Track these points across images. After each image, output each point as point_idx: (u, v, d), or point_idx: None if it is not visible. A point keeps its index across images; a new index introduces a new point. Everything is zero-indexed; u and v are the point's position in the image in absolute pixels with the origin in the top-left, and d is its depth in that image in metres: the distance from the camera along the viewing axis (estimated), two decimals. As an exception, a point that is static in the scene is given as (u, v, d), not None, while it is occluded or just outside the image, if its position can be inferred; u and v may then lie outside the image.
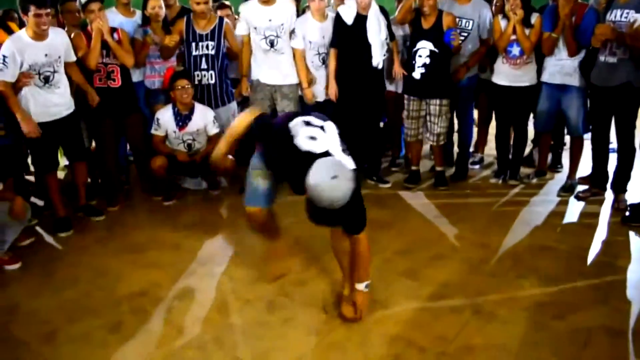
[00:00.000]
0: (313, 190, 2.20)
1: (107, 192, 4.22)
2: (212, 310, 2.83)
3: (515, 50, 4.10)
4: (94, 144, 4.28)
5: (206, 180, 4.44)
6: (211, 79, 4.25)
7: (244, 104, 4.50)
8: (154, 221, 3.97)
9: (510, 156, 4.48)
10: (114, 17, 4.18)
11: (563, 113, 4.15)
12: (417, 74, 4.19)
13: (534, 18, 4.05)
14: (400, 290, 2.94)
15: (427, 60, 4.13)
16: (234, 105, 4.42)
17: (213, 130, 4.18)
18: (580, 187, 4.22)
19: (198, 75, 4.24)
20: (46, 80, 3.55)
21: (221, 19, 4.27)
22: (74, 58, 3.76)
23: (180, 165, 4.16)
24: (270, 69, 4.22)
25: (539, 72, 4.17)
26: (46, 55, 3.52)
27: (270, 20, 4.09)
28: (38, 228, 3.81)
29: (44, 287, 3.08)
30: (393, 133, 4.92)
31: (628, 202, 3.86)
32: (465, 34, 4.30)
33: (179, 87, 4.03)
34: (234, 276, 3.14)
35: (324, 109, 4.29)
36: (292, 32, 4.15)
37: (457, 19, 4.22)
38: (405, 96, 4.34)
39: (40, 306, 2.89)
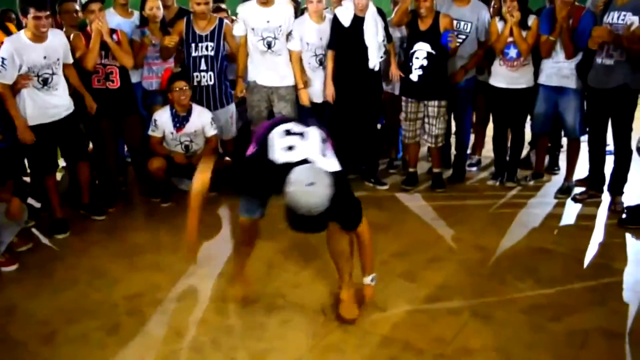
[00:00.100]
0: (290, 198, 2.17)
1: (105, 194, 4.21)
2: (210, 312, 2.83)
3: (513, 53, 4.11)
4: (91, 145, 4.26)
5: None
6: (210, 80, 4.24)
7: (241, 105, 4.50)
8: (152, 223, 3.97)
9: (507, 158, 4.49)
10: (112, 17, 4.17)
11: (560, 115, 4.16)
12: (414, 76, 4.19)
13: (531, 20, 4.06)
14: (398, 292, 2.94)
15: (425, 62, 4.13)
16: (232, 107, 4.42)
17: (211, 131, 4.18)
18: (577, 190, 4.23)
19: (197, 77, 4.23)
20: (45, 82, 3.54)
21: (221, 20, 4.27)
22: (71, 60, 3.75)
23: (178, 167, 4.15)
24: (268, 71, 4.23)
25: (536, 74, 4.18)
26: (45, 57, 3.50)
27: (268, 22, 4.09)
28: (34, 230, 3.80)
29: (41, 288, 3.08)
30: (390, 135, 4.93)
31: (625, 205, 3.87)
32: (464, 37, 4.30)
33: (177, 89, 4.01)
34: (232, 278, 3.14)
35: (321, 111, 4.31)
36: (289, 34, 4.16)
37: (456, 22, 4.22)
38: (403, 98, 4.34)
39: (38, 307, 2.89)
